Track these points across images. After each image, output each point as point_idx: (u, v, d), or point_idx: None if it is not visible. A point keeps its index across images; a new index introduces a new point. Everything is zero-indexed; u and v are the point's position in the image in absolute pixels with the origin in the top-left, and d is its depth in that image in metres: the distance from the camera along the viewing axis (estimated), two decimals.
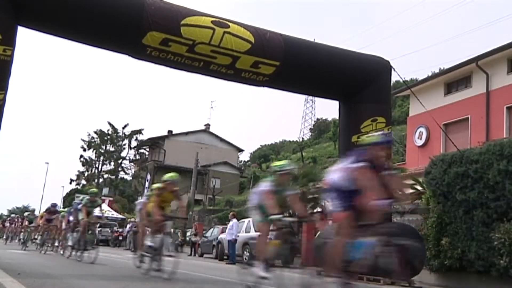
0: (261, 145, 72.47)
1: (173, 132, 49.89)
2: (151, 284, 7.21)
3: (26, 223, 22.67)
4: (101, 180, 58.17)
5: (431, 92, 20.01)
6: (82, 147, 56.79)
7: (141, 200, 12.43)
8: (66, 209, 17.59)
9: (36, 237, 19.48)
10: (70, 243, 13.31)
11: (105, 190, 51.90)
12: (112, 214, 38.17)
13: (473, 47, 72.93)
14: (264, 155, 63.44)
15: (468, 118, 18.44)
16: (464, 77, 19.14)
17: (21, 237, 22.81)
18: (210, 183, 45.03)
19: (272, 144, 72.52)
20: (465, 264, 9.80)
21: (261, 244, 7.04)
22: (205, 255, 23.07)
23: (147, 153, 53.92)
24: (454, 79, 19.62)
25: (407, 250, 5.32)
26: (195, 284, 7.67)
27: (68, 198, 50.67)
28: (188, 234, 27.44)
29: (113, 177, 57.04)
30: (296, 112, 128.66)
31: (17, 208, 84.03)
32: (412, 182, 15.06)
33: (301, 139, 65.24)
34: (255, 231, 17.88)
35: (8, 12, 8.45)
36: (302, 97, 68.12)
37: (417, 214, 10.65)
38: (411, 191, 15.19)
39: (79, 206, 13.14)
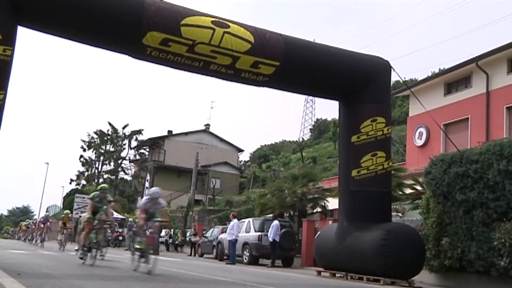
0: (261, 145, 72.53)
1: (173, 132, 49.85)
2: (151, 284, 7.21)
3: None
4: (101, 180, 58.13)
5: (431, 92, 20.00)
6: (82, 147, 56.75)
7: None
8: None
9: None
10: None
11: None
12: (112, 214, 38.15)
13: (473, 47, 72.97)
14: (264, 155, 63.40)
15: (468, 118, 18.43)
16: (464, 77, 19.13)
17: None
18: (210, 183, 45.01)
19: (272, 144, 72.52)
20: (465, 264, 9.80)
21: None
22: (205, 255, 23.08)
23: (147, 153, 53.90)
24: (454, 79, 19.61)
25: None
26: (195, 284, 7.66)
27: (68, 198, 50.72)
28: (187, 234, 27.45)
29: (113, 177, 57.00)
30: (296, 112, 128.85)
31: (17, 208, 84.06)
32: (412, 182, 15.10)
33: (301, 139, 65.26)
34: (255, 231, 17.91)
35: (8, 12, 8.45)
36: (302, 97, 68.19)
37: None
38: (410, 191, 15.24)
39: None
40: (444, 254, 10.13)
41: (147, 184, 46.78)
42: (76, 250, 13.73)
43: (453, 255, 9.91)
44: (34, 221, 34.11)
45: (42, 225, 23.97)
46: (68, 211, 24.02)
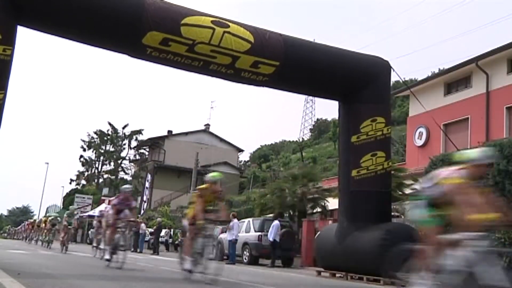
0: (261, 145, 72.48)
1: (173, 132, 49.82)
2: (150, 284, 7.20)
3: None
4: (101, 180, 58.20)
5: (431, 92, 19.99)
6: (82, 147, 56.89)
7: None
8: None
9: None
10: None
11: (105, 190, 51.91)
12: None
13: (473, 47, 72.99)
14: (264, 155, 63.33)
15: (468, 118, 18.42)
16: (464, 77, 19.12)
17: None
18: None
19: (272, 144, 72.51)
20: None
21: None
22: None
23: (147, 153, 53.88)
24: (454, 79, 19.60)
25: None
26: (195, 284, 7.65)
27: (68, 198, 50.77)
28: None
29: (113, 177, 57.06)
30: (296, 112, 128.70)
31: (17, 208, 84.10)
32: (412, 182, 15.08)
33: (301, 139, 65.24)
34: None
35: (8, 12, 8.45)
36: (302, 97, 68.17)
37: None
38: (410, 191, 15.21)
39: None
40: None
41: (147, 184, 46.84)
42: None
43: None
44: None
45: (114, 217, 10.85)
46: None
